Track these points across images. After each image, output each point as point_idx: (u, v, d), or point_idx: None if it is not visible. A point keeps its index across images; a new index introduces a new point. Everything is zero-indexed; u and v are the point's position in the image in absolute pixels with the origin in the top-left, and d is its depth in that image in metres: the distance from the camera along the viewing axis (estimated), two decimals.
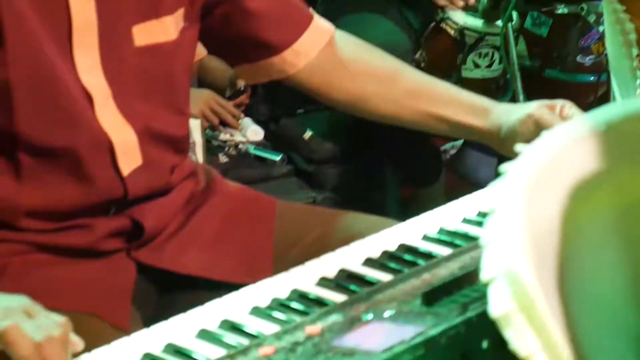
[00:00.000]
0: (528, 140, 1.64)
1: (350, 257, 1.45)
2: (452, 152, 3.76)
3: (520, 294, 0.85)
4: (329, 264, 1.43)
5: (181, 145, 1.64)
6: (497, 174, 3.08)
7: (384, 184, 3.36)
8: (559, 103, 1.65)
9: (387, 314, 1.19)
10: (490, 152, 3.48)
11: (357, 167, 3.30)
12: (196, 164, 1.72)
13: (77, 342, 1.22)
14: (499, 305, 0.87)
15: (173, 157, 1.61)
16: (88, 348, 1.25)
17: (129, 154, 1.52)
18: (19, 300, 1.23)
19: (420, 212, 1.58)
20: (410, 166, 3.39)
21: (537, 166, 0.93)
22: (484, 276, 0.88)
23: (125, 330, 1.42)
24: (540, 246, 0.87)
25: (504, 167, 0.96)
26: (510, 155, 1.71)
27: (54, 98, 1.44)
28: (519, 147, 0.98)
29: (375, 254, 1.45)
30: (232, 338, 1.26)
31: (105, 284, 1.50)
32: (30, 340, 1.17)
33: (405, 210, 3.30)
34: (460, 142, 3.73)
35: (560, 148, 0.95)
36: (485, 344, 1.14)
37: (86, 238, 1.51)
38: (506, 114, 1.67)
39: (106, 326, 1.44)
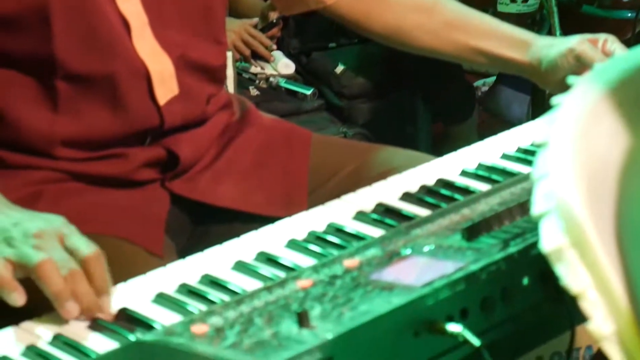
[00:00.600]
0: (569, 74, 1.62)
1: (388, 191, 1.43)
2: (485, 89, 3.72)
3: (573, 228, 0.82)
4: (366, 198, 1.41)
5: (217, 75, 1.62)
6: (529, 112, 3.05)
7: (416, 120, 3.33)
8: (601, 37, 1.61)
9: (426, 248, 1.17)
10: (523, 89, 3.45)
11: (388, 103, 3.27)
12: (231, 95, 1.70)
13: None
14: (551, 239, 0.84)
15: (209, 87, 1.59)
16: (122, 273, 1.24)
17: (166, 83, 1.50)
18: (53, 221, 1.21)
19: (452, 149, 1.56)
20: (443, 102, 3.36)
21: (591, 98, 0.91)
22: (535, 210, 0.86)
23: (160, 256, 1.42)
24: (595, 181, 0.84)
25: (556, 99, 0.93)
26: (549, 90, 1.70)
27: (92, 24, 1.42)
28: (570, 79, 0.96)
29: (413, 188, 1.43)
30: (267, 270, 1.25)
31: (139, 212, 1.49)
32: (61, 278, 1.15)
33: (436, 147, 3.28)
34: (492, 79, 3.69)
35: (614, 80, 0.92)
36: (526, 281, 1.12)
37: (121, 167, 1.50)
38: (547, 47, 1.64)
39: (141, 251, 1.43)
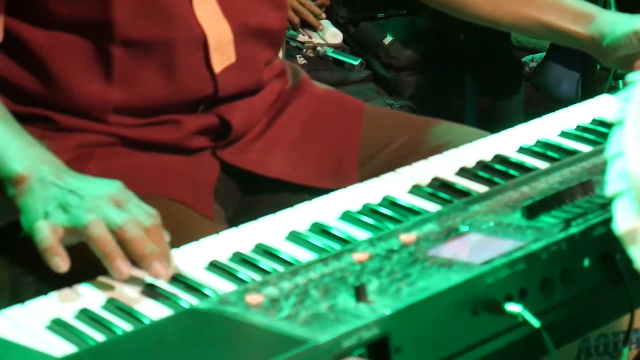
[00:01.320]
0: (631, 54, 1.59)
1: (444, 165, 1.41)
2: (533, 65, 3.67)
3: None
4: (422, 171, 1.39)
5: (276, 39, 1.60)
6: (578, 89, 2.99)
7: (462, 95, 3.30)
8: None
9: (485, 226, 1.15)
10: (573, 66, 3.40)
11: (436, 76, 3.24)
12: (285, 63, 1.68)
13: (165, 235, 1.20)
14: (624, 221, 0.82)
15: (266, 53, 1.57)
16: (175, 234, 1.23)
17: (223, 51, 1.48)
18: (110, 187, 1.21)
19: (498, 124, 1.53)
20: (490, 77, 3.32)
21: None
22: (608, 190, 0.84)
23: (210, 218, 1.41)
24: None
25: (632, 76, 0.90)
26: (608, 65, 1.67)
27: None
28: None
29: (470, 163, 1.40)
30: (321, 241, 1.23)
31: (189, 177, 1.48)
32: (110, 238, 1.15)
33: (482, 122, 3.25)
34: (541, 55, 3.65)
35: None
36: (586, 262, 1.10)
37: (173, 134, 1.48)
38: (611, 24, 1.61)
39: (191, 213, 1.42)
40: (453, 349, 1.03)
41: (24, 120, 1.42)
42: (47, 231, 1.16)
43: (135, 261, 1.16)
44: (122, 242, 1.15)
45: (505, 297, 1.05)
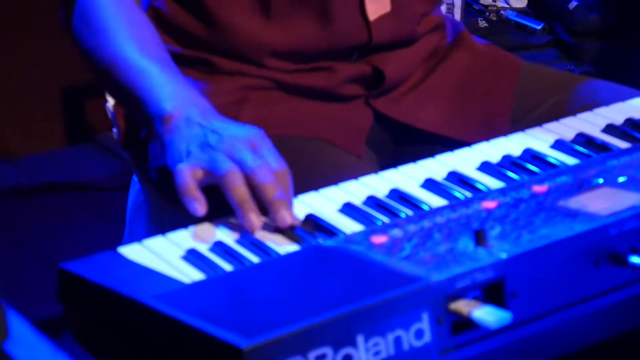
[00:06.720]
0: None
1: (591, 122, 1.39)
2: None
3: None
4: (568, 127, 1.38)
5: None
6: None
7: None
8: None
9: (619, 180, 1.14)
10: None
11: (620, 45, 3.16)
12: (444, 17, 1.68)
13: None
14: None
15: (423, 6, 1.58)
16: (325, 173, 1.27)
17: (378, 0, 1.50)
18: (250, 130, 1.24)
19: None
20: None
21: None
22: None
23: (360, 157, 1.43)
24: None
25: None
26: None
27: None
28: None
29: (618, 121, 1.38)
30: (458, 190, 1.24)
31: (343, 122, 1.51)
32: (246, 190, 1.18)
33: None
34: None
35: None
36: None
37: (327, 81, 1.51)
38: None
39: (344, 154, 1.45)
40: (571, 298, 1.02)
41: (187, 63, 1.49)
42: (186, 175, 1.20)
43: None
44: (254, 187, 1.19)
45: (630, 250, 1.04)
